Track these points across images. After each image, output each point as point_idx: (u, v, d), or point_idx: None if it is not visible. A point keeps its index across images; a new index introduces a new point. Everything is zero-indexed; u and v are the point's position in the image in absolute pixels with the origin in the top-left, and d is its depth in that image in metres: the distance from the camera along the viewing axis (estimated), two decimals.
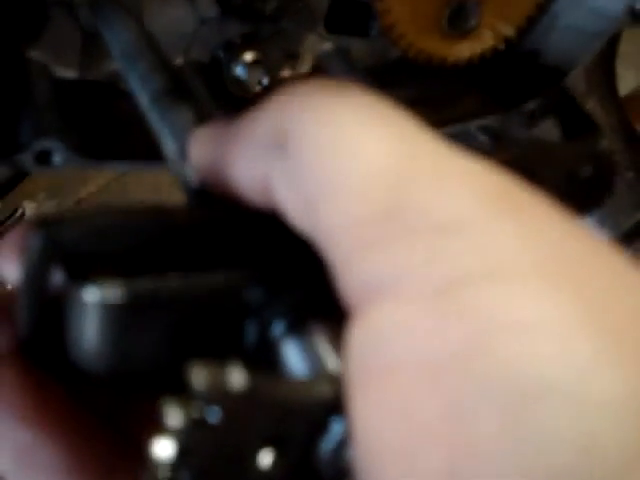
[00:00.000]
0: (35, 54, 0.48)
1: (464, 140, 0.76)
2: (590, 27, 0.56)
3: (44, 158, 0.41)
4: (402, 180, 0.23)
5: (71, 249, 0.24)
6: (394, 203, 0.22)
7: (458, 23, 0.55)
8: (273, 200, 0.25)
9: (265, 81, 0.52)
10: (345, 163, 0.23)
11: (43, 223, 0.24)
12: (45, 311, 0.25)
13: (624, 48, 1.04)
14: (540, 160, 0.62)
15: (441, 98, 0.56)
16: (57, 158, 0.41)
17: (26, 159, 0.41)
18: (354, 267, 0.22)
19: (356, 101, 0.25)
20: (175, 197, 0.99)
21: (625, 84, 1.05)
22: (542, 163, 0.62)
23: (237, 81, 0.52)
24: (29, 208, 1.33)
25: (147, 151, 0.43)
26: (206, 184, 0.28)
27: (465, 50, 0.56)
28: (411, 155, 0.23)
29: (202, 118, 0.33)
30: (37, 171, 0.41)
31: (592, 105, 0.64)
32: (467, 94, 0.57)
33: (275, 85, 0.53)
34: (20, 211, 1.33)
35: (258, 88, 0.51)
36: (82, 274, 0.23)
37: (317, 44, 0.55)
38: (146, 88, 0.35)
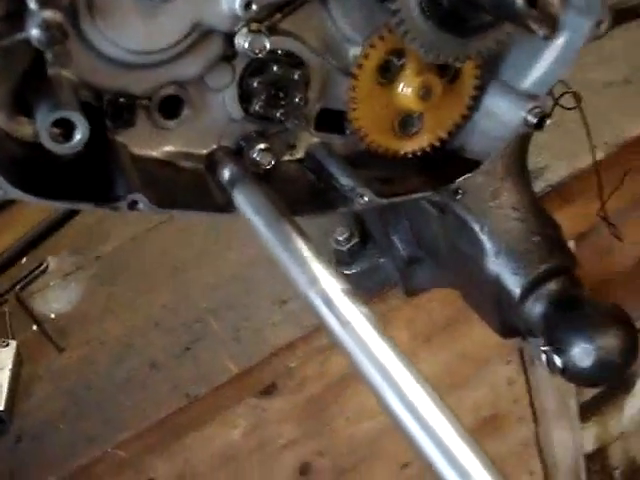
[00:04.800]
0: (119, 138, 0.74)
1: (419, 213, 1.03)
2: (498, 132, 0.83)
3: (133, 206, 0.67)
4: None
5: None
6: None
7: (406, 128, 0.82)
8: None
9: (273, 162, 0.78)
10: None
11: None
12: None
13: (557, 142, 1.32)
14: None
15: (395, 178, 0.83)
16: (141, 206, 0.67)
17: (122, 206, 0.66)
18: None
19: None
20: (183, 256, 1.27)
21: (557, 173, 1.33)
22: None
23: (254, 162, 0.78)
24: (52, 262, 1.57)
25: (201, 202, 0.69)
26: None
27: (411, 146, 0.84)
28: None
29: None
30: (128, 214, 0.67)
31: (508, 185, 0.91)
32: (413, 176, 0.84)
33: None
34: (44, 265, 1.57)
35: (268, 167, 0.78)
36: None
37: (309, 139, 0.82)
38: None
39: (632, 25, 1.55)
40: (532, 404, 1.63)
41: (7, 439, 1.25)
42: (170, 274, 1.42)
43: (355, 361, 0.62)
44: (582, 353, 0.83)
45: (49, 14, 0.56)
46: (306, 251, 0.68)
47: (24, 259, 1.59)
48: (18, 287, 1.54)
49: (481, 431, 1.57)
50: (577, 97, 1.07)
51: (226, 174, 0.75)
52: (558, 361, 0.85)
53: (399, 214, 1.12)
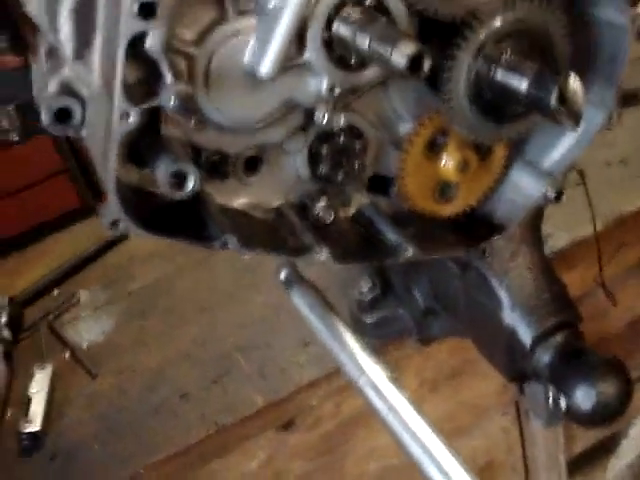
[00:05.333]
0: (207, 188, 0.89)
1: (441, 270, 1.18)
2: (521, 203, 1.00)
3: (225, 245, 0.81)
4: None
5: None
6: None
7: (444, 194, 0.98)
8: None
9: (332, 218, 0.93)
10: None
11: None
12: None
13: (560, 214, 1.48)
14: None
15: (433, 236, 0.98)
16: (231, 246, 0.82)
17: (216, 244, 0.81)
18: None
19: None
20: (211, 296, 1.42)
21: (558, 241, 1.49)
22: None
23: (316, 217, 0.93)
24: (84, 295, 1.70)
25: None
26: None
27: (447, 210, 0.99)
28: None
29: None
30: (218, 250, 0.81)
31: (524, 249, 1.07)
32: (448, 235, 0.99)
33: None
34: (77, 297, 1.69)
35: (329, 221, 0.93)
36: None
37: (360, 198, 0.98)
38: None
39: (630, 110, 1.74)
40: (524, 455, 1.76)
41: (42, 456, 1.37)
42: (198, 312, 1.56)
43: (399, 438, 0.80)
44: (584, 396, 0.98)
45: (183, 87, 0.72)
46: (354, 343, 0.85)
47: (56, 291, 1.72)
48: (51, 316, 1.67)
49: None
50: (582, 175, 1.24)
51: (282, 275, 0.91)
52: (563, 403, 0.99)
53: (420, 270, 1.27)
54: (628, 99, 1.73)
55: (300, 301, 0.87)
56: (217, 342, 1.48)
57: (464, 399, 1.60)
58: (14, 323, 1.62)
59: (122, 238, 1.74)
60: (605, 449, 2.18)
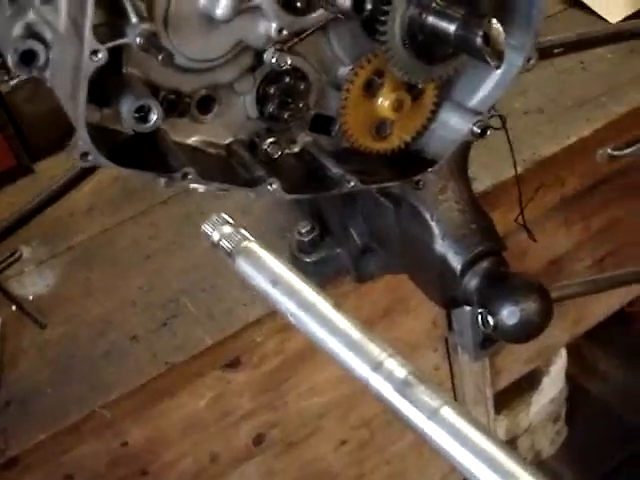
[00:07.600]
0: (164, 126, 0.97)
1: (375, 207, 1.28)
2: (449, 138, 1.10)
3: (185, 177, 0.90)
4: None
5: None
6: None
7: (380, 132, 1.08)
8: None
9: (279, 154, 1.02)
10: None
11: None
12: None
13: (483, 158, 1.61)
14: None
15: (370, 170, 1.08)
16: (191, 177, 0.90)
17: (176, 177, 0.89)
18: None
19: None
20: (154, 246, 1.51)
21: (481, 184, 1.62)
22: None
23: (264, 153, 1.02)
24: (26, 251, 1.74)
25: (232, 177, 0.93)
26: None
27: (383, 146, 1.09)
28: None
29: None
30: (180, 185, 0.89)
31: (452, 184, 1.18)
32: (384, 169, 1.09)
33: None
34: (18, 253, 1.73)
35: (276, 156, 1.02)
36: None
37: (304, 137, 1.07)
38: None
39: (545, 63, 1.88)
40: (454, 390, 1.90)
41: None
42: (143, 261, 1.62)
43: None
44: (509, 314, 1.10)
45: (148, 26, 0.80)
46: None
47: None
48: None
49: None
50: (503, 119, 1.36)
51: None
52: (491, 321, 1.11)
53: (355, 209, 1.37)
54: (543, 53, 1.87)
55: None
56: (163, 287, 1.55)
57: (397, 336, 1.72)
58: None
59: (62, 194, 1.79)
60: (528, 386, 2.35)
